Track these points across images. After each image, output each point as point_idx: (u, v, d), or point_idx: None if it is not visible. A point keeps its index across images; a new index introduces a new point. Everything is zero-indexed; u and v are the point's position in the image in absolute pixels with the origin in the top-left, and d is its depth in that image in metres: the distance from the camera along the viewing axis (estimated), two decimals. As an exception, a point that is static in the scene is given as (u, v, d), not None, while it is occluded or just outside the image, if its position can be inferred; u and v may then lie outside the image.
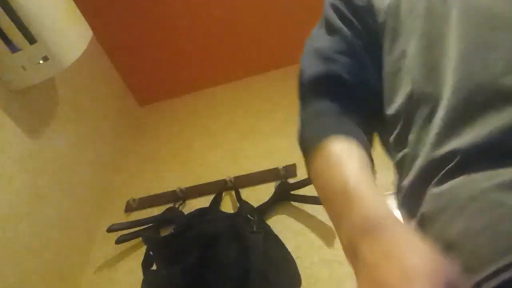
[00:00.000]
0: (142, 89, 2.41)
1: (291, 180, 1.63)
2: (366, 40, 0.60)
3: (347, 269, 1.39)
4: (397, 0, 0.56)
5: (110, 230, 1.66)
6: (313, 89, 0.64)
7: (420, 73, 0.50)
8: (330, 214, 0.49)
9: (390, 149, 0.59)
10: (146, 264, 1.48)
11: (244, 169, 1.78)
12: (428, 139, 0.48)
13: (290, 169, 1.69)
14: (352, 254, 0.42)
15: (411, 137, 0.51)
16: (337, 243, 1.40)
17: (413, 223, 0.50)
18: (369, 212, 0.43)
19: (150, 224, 1.68)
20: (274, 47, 2.21)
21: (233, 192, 1.69)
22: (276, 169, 1.70)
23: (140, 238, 1.64)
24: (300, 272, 1.35)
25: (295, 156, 1.75)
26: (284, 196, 1.57)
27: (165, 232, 1.64)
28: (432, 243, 0.41)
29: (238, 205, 1.61)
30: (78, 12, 1.54)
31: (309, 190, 1.53)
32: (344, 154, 0.51)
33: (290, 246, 1.42)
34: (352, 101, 0.60)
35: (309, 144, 0.58)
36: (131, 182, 2.00)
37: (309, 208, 1.52)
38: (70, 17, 1.49)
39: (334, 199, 0.48)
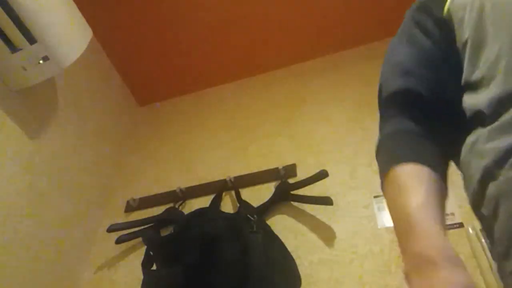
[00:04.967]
0: (142, 89, 2.42)
1: (291, 180, 1.63)
2: (446, 50, 0.62)
3: (347, 269, 1.39)
4: (476, 8, 0.57)
5: (110, 230, 1.66)
6: (392, 105, 0.65)
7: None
8: (397, 237, 0.54)
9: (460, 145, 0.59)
10: (146, 264, 1.48)
11: (244, 169, 1.78)
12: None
13: (290, 169, 1.69)
14: (407, 281, 0.49)
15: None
16: (337, 243, 1.40)
17: (487, 209, 0.51)
18: (423, 248, 0.48)
19: (150, 224, 1.68)
20: (274, 47, 2.21)
21: (233, 192, 1.69)
22: (276, 169, 1.70)
23: (140, 238, 1.64)
24: (300, 272, 1.35)
25: (295, 156, 1.76)
26: (284, 196, 1.57)
27: (165, 232, 1.64)
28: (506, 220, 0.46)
29: (238, 205, 1.61)
30: (78, 12, 1.54)
31: (309, 190, 1.53)
32: (412, 184, 0.55)
33: (290, 246, 1.42)
34: (430, 117, 0.62)
35: (383, 167, 0.61)
36: (131, 182, 2.00)
37: (309, 208, 1.52)
38: (70, 17, 1.49)
39: (398, 226, 0.53)
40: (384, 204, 1.44)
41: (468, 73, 0.58)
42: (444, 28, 0.62)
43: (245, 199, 1.63)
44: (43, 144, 1.61)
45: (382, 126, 0.67)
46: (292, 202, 1.57)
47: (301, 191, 1.55)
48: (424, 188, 0.54)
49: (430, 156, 0.58)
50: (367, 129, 1.74)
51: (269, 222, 1.52)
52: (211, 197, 1.70)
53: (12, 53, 1.38)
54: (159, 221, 1.68)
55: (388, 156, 0.62)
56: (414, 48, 0.65)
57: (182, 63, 2.29)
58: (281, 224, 1.51)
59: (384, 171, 0.60)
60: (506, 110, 0.50)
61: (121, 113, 2.27)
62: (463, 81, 0.59)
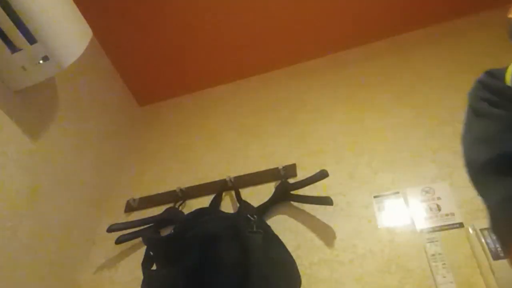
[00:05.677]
0: (142, 89, 2.42)
1: (291, 180, 1.63)
2: None
3: (347, 269, 1.39)
4: None
5: (110, 230, 1.66)
6: (493, 172, 0.65)
7: None
8: None
9: None
10: (146, 264, 1.48)
11: (244, 169, 1.78)
12: None
13: (290, 169, 1.69)
14: None
15: None
16: (337, 243, 1.40)
17: None
18: None
19: (150, 224, 1.68)
20: (274, 47, 2.21)
21: (233, 192, 1.69)
22: (276, 169, 1.70)
23: (140, 238, 1.64)
24: (300, 272, 1.35)
25: (295, 156, 1.76)
26: (284, 196, 1.57)
27: (165, 232, 1.64)
28: None
29: (238, 205, 1.61)
30: (78, 12, 1.54)
31: (309, 190, 1.53)
32: None
33: (290, 246, 1.42)
34: None
35: (506, 237, 0.60)
36: (131, 182, 2.00)
37: (309, 208, 1.52)
38: (70, 17, 1.49)
39: None
40: (384, 204, 1.44)
41: None
42: (509, 94, 0.65)
43: (245, 199, 1.63)
44: (43, 144, 1.61)
45: (487, 198, 0.65)
46: (292, 202, 1.57)
47: (301, 191, 1.55)
48: None
49: None
50: (367, 129, 1.74)
51: (269, 222, 1.52)
52: (211, 197, 1.70)
53: (12, 53, 1.38)
54: (159, 221, 1.68)
55: (510, 226, 0.60)
56: (488, 120, 0.67)
57: (182, 63, 2.29)
58: (281, 224, 1.51)
59: (509, 242, 0.58)
60: None
61: (121, 113, 2.27)
62: None
